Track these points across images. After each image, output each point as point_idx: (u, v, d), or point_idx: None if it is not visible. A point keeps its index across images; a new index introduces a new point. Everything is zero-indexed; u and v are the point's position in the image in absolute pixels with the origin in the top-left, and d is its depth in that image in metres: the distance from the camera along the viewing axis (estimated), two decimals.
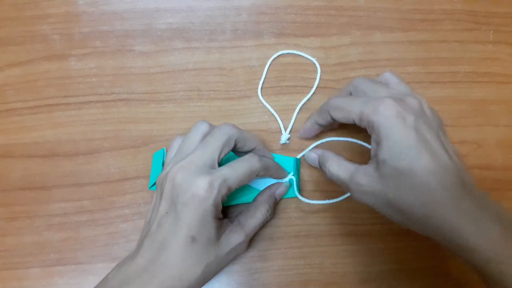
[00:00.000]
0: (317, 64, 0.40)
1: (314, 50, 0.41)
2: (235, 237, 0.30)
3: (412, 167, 0.26)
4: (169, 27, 0.41)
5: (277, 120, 0.39)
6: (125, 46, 0.41)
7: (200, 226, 0.27)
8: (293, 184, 0.36)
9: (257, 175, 0.31)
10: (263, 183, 0.35)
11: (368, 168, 0.29)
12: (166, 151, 0.36)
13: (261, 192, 0.35)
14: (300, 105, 0.39)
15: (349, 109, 0.29)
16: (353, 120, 0.29)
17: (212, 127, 0.31)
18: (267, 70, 0.40)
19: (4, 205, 0.37)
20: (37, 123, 0.39)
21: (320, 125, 0.35)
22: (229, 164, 0.29)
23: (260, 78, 0.40)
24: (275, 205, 0.36)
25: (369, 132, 0.29)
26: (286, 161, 0.36)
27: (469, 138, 0.39)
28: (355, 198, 0.30)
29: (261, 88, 0.40)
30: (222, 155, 0.30)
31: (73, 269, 0.36)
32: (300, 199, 0.35)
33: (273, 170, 0.33)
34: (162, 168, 0.34)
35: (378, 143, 0.28)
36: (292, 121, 0.39)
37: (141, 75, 0.40)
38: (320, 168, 0.34)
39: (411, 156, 0.26)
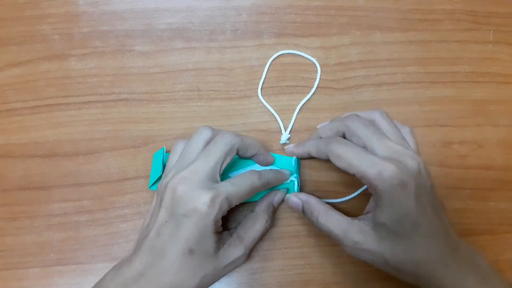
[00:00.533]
0: (317, 64, 0.40)
1: (314, 50, 0.41)
2: (234, 251, 0.30)
3: (410, 233, 0.27)
4: (169, 27, 0.41)
5: (277, 120, 0.39)
6: (125, 46, 0.41)
7: (199, 239, 0.27)
8: (295, 185, 0.36)
9: (256, 191, 0.31)
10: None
11: (364, 226, 0.29)
12: (166, 151, 0.36)
13: (259, 202, 0.35)
14: (300, 105, 0.39)
15: (351, 164, 0.29)
16: (353, 173, 0.29)
17: (214, 133, 0.31)
18: (267, 70, 0.40)
19: (4, 205, 0.37)
20: (37, 123, 0.39)
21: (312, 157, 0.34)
22: (231, 180, 0.30)
23: (260, 78, 0.40)
24: (274, 212, 0.36)
25: (370, 191, 0.29)
26: (287, 161, 0.36)
27: (469, 138, 0.39)
28: (348, 254, 0.30)
29: (261, 88, 0.40)
30: (224, 165, 0.30)
31: (73, 269, 0.36)
32: None
33: (273, 184, 0.33)
34: (163, 170, 0.34)
35: (378, 206, 0.28)
36: (292, 121, 0.39)
37: (141, 75, 0.40)
38: (303, 214, 0.33)
39: (410, 222, 0.27)
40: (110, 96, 0.39)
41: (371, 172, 0.28)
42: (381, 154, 0.29)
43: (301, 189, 0.37)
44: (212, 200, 0.27)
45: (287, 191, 0.36)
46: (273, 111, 0.39)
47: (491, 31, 0.41)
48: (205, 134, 0.31)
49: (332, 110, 0.39)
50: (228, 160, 0.30)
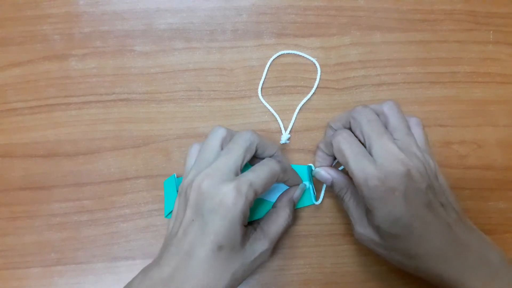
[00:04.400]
0: (317, 64, 0.40)
1: (314, 50, 0.41)
2: (259, 245, 0.30)
3: (405, 234, 0.28)
4: (169, 27, 0.41)
5: (277, 120, 0.39)
6: (126, 46, 0.41)
7: (227, 233, 0.27)
8: (310, 192, 0.36)
9: (277, 179, 0.31)
10: (275, 195, 0.35)
11: (366, 222, 0.31)
12: (176, 176, 0.36)
13: (279, 197, 0.34)
14: (300, 105, 0.39)
15: (348, 163, 0.30)
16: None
17: (230, 133, 0.31)
18: (267, 70, 0.40)
19: (4, 205, 0.37)
20: (37, 123, 0.39)
21: (330, 155, 0.35)
22: (251, 169, 0.30)
23: (260, 78, 0.40)
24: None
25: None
26: (299, 170, 0.36)
27: (469, 138, 0.39)
28: (357, 240, 0.32)
29: (261, 88, 0.40)
30: (245, 162, 0.30)
31: (73, 269, 0.36)
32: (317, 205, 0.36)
33: (290, 174, 0.33)
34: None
35: (369, 210, 0.29)
36: (292, 121, 0.39)
37: (141, 75, 0.40)
38: (330, 187, 0.35)
39: (402, 225, 0.28)
40: (111, 96, 0.40)
41: (359, 177, 0.29)
42: (377, 155, 0.29)
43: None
44: (238, 190, 0.27)
45: (305, 187, 0.36)
46: (273, 111, 0.39)
47: (491, 31, 0.41)
48: (220, 133, 0.31)
49: (332, 110, 0.39)
50: (248, 157, 0.30)
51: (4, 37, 0.41)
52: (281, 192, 0.35)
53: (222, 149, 0.31)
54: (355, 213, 0.32)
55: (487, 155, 0.39)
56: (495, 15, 0.42)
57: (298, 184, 0.35)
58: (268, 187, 0.30)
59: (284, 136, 0.38)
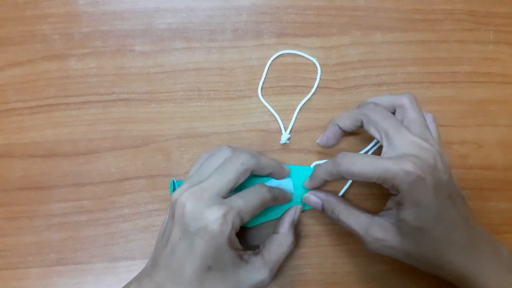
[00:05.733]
0: (317, 64, 0.40)
1: (314, 50, 0.41)
2: (258, 274, 0.29)
3: (431, 226, 0.28)
4: (169, 27, 0.41)
5: (277, 120, 0.39)
6: (125, 46, 0.41)
7: (215, 256, 0.27)
8: None
9: (266, 206, 0.31)
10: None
11: (384, 222, 0.30)
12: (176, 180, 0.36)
13: (282, 221, 0.34)
14: (300, 105, 0.39)
15: (369, 173, 0.28)
16: (373, 181, 0.29)
17: (236, 154, 0.31)
18: (267, 70, 0.40)
19: (4, 205, 0.37)
20: (37, 123, 0.39)
21: (344, 130, 0.35)
22: (241, 194, 0.29)
23: (260, 78, 0.40)
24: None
25: (391, 192, 0.29)
26: (304, 171, 0.36)
27: (469, 138, 0.39)
28: (371, 250, 0.30)
29: (261, 88, 0.40)
30: (236, 185, 0.30)
31: (73, 269, 0.36)
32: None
33: (281, 200, 0.33)
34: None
35: (400, 204, 0.28)
36: (292, 121, 0.39)
37: (141, 75, 0.40)
38: (322, 212, 0.34)
39: (430, 217, 0.28)
40: (110, 96, 0.39)
41: (391, 173, 0.27)
42: (400, 146, 0.29)
43: None
44: (224, 217, 0.27)
45: (302, 207, 0.35)
46: (273, 111, 0.39)
47: (491, 31, 0.41)
48: (225, 154, 0.31)
49: (332, 110, 0.39)
50: (241, 180, 0.30)
51: (4, 37, 0.41)
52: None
53: None
54: (361, 223, 0.30)
55: (487, 155, 0.39)
56: (495, 15, 0.42)
57: (290, 200, 0.35)
58: (256, 214, 0.29)
59: (284, 136, 0.38)
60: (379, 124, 0.31)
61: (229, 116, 0.39)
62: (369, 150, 0.37)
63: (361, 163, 0.29)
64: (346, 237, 0.36)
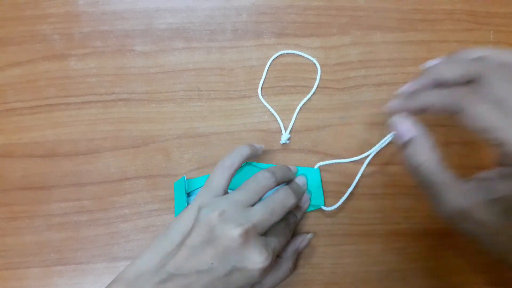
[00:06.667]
0: (317, 64, 0.40)
1: (314, 50, 0.41)
2: None
3: None
4: (169, 27, 0.41)
5: (277, 120, 0.39)
6: (125, 46, 0.41)
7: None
8: (320, 196, 0.36)
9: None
10: None
11: (476, 193, 0.24)
12: (186, 178, 0.36)
13: (286, 247, 0.34)
14: (300, 105, 0.39)
15: (492, 128, 0.24)
16: (488, 139, 0.24)
17: (281, 190, 0.32)
18: (267, 70, 0.40)
19: (4, 205, 0.37)
20: (37, 123, 0.39)
21: (444, 82, 0.27)
22: (276, 232, 0.31)
23: (260, 78, 0.40)
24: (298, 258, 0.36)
25: (506, 161, 0.24)
26: (308, 172, 0.37)
27: (469, 138, 0.39)
28: (445, 216, 0.25)
29: (261, 88, 0.40)
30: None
31: (73, 269, 0.36)
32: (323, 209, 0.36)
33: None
34: (186, 199, 0.35)
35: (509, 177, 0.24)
36: (292, 121, 0.39)
37: (141, 75, 0.40)
38: (401, 145, 0.27)
39: None
40: (110, 96, 0.39)
41: None
42: None
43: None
44: (265, 262, 0.27)
45: (312, 237, 0.36)
46: (273, 111, 0.39)
47: (491, 31, 0.41)
48: (267, 181, 0.31)
49: (332, 110, 0.39)
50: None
51: (4, 37, 0.41)
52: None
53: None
54: (446, 182, 0.25)
55: (488, 155, 0.39)
56: (495, 15, 0.42)
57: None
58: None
59: (284, 136, 0.38)
60: (504, 88, 0.24)
61: (229, 116, 0.39)
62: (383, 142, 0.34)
63: (490, 111, 0.24)
64: (346, 237, 0.36)
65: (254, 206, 0.29)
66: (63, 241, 0.36)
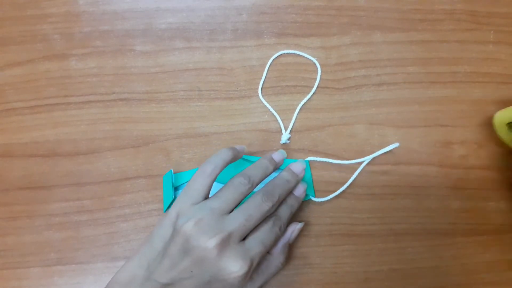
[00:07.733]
0: (317, 64, 0.40)
1: (314, 50, 0.41)
2: None
3: None
4: (169, 27, 0.41)
5: (277, 120, 0.39)
6: (126, 45, 0.41)
7: None
8: (311, 188, 0.37)
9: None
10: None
11: None
12: (174, 172, 0.36)
13: (277, 243, 0.33)
14: (300, 105, 0.39)
15: None
16: None
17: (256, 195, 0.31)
18: (268, 70, 0.40)
19: (4, 204, 0.37)
20: (37, 123, 0.39)
21: None
22: (258, 238, 0.30)
23: (260, 78, 0.40)
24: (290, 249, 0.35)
25: None
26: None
27: (469, 138, 0.39)
28: None
29: (262, 88, 0.40)
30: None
31: (73, 269, 0.36)
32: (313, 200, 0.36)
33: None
34: (173, 193, 0.35)
35: None
36: (293, 121, 0.39)
37: (142, 75, 0.40)
38: None
39: None
40: (111, 95, 0.39)
41: None
42: None
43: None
44: (247, 273, 0.28)
45: (303, 225, 0.35)
46: (273, 111, 0.39)
47: (492, 31, 0.41)
48: (243, 187, 0.31)
49: (332, 110, 0.39)
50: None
51: (4, 36, 0.41)
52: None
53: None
54: None
55: (487, 155, 0.39)
56: (495, 15, 0.42)
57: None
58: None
59: (284, 136, 0.38)
60: None
61: (229, 116, 0.39)
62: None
63: None
64: (346, 237, 0.36)
65: (230, 214, 0.29)
66: (63, 240, 0.36)
